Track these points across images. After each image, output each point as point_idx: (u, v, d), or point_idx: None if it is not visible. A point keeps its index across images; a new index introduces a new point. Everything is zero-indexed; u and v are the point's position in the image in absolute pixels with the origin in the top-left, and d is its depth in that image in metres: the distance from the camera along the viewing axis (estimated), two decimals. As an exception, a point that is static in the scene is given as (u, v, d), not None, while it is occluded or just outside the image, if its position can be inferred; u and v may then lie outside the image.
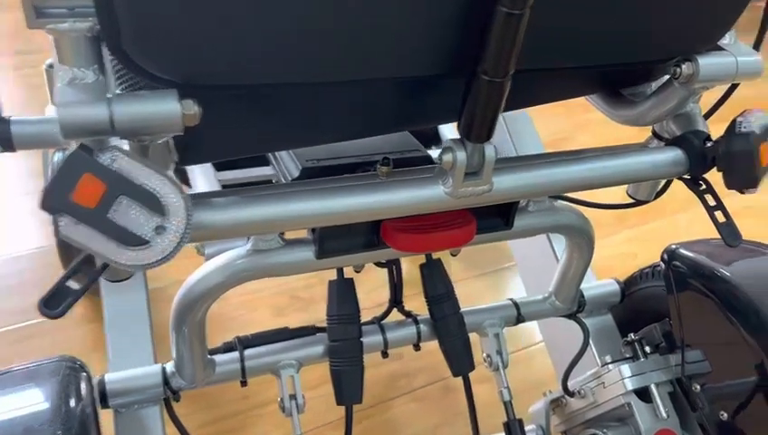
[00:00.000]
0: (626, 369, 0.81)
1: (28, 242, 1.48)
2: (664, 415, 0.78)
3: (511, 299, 0.85)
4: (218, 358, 0.73)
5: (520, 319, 0.84)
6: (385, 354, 0.79)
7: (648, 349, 0.84)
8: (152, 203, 0.43)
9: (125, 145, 0.47)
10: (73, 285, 0.47)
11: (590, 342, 0.87)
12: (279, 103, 0.50)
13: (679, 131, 0.67)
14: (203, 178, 0.83)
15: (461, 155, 0.53)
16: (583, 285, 0.88)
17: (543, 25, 0.51)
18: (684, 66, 0.59)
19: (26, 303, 1.31)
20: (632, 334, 0.84)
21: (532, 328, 1.16)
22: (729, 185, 0.61)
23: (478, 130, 0.52)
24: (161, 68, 0.44)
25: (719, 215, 0.63)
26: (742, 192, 0.61)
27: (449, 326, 0.78)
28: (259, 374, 0.74)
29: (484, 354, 0.83)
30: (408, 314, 0.81)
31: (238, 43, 0.44)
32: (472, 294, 1.46)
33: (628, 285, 0.90)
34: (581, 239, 0.77)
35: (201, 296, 0.63)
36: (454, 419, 1.08)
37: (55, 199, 0.42)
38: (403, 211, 0.57)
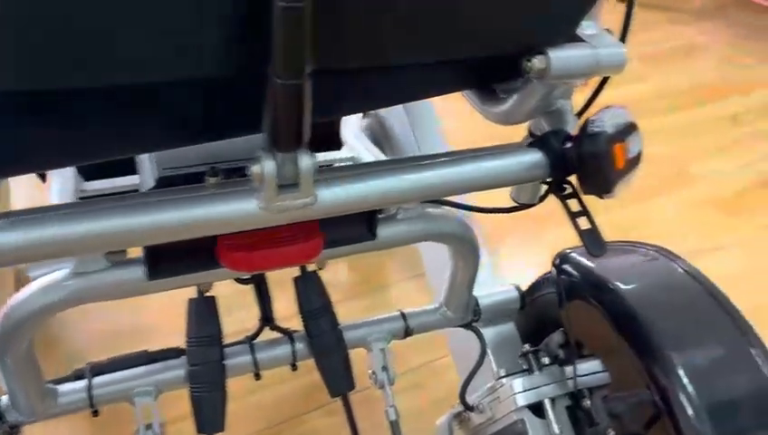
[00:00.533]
0: (517, 383, 0.75)
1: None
2: (556, 431, 0.73)
3: (400, 310, 0.80)
4: (65, 387, 0.68)
5: (408, 332, 0.79)
6: (257, 376, 0.74)
7: (547, 360, 0.79)
8: None
9: None
10: None
11: (489, 352, 0.82)
12: (47, 112, 0.45)
13: (550, 126, 0.61)
14: (59, 188, 0.78)
15: (269, 166, 0.47)
16: (482, 292, 0.83)
17: (353, 18, 0.45)
18: (535, 60, 0.54)
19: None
20: (527, 345, 0.79)
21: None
22: (584, 190, 0.56)
23: (285, 138, 0.46)
24: None
25: (584, 221, 0.58)
26: (601, 197, 0.56)
27: (326, 343, 0.73)
28: (111, 403, 0.68)
29: (370, 371, 0.78)
30: (284, 332, 0.75)
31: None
32: (404, 296, 1.41)
33: (530, 292, 0.84)
34: (463, 247, 0.72)
35: (22, 324, 0.57)
36: (367, 432, 1.02)
37: None
38: (220, 228, 0.51)
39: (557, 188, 0.58)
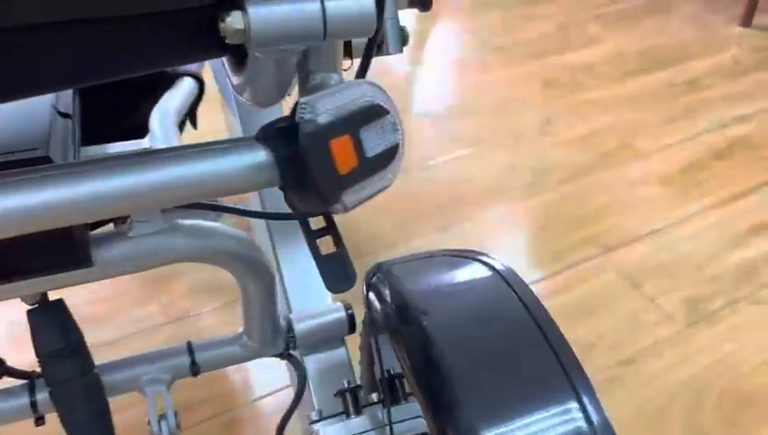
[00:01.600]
0: (326, 432, 0.60)
1: None
2: (370, 494, 0.58)
3: (188, 342, 0.65)
4: None
5: (196, 369, 0.64)
6: (40, 420, 0.59)
7: (374, 397, 0.64)
8: None
9: None
10: None
11: (311, 386, 0.67)
12: None
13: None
14: None
15: None
16: (306, 311, 0.68)
17: None
18: (230, 19, 0.38)
19: None
20: (346, 381, 0.63)
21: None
22: (293, 200, 0.40)
23: None
24: None
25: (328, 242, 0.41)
26: (324, 213, 0.39)
27: (72, 393, 0.58)
28: None
29: (147, 420, 0.63)
30: (23, 375, 0.60)
31: None
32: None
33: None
34: (244, 267, 0.56)
35: None
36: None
37: None
38: None
39: (289, 200, 0.41)
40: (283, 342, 0.66)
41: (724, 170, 1.56)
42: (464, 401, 0.46)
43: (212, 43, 0.44)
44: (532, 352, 0.49)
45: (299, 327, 0.66)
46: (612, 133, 1.70)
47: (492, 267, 0.57)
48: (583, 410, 0.46)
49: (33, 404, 0.59)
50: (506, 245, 1.40)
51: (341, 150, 0.37)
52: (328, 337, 0.69)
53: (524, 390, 0.47)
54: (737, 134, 1.70)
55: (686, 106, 1.83)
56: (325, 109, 0.37)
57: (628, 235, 1.38)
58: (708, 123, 1.74)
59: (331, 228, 0.42)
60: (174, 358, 0.63)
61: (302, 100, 0.37)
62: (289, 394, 0.95)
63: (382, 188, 0.40)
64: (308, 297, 0.72)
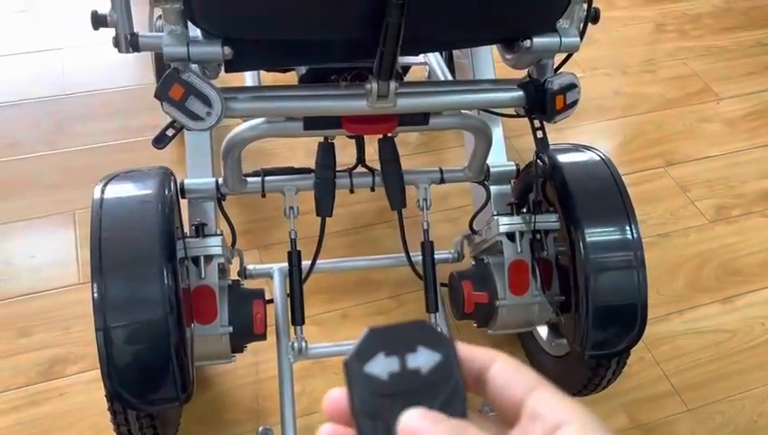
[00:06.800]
0: (502, 219, 1.26)
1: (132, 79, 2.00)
2: (519, 250, 1.25)
3: (439, 167, 1.30)
4: (250, 179, 1.23)
5: (443, 180, 1.29)
6: (351, 191, 1.27)
7: (524, 210, 1.29)
8: (205, 100, 0.90)
9: (195, 66, 0.93)
10: (169, 132, 0.95)
11: (491, 200, 1.32)
12: (274, 47, 0.94)
13: (536, 75, 1.06)
14: (249, 77, 1.31)
15: (374, 87, 0.95)
16: (494, 162, 1.31)
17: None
18: (524, 43, 0.98)
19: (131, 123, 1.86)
20: (513, 199, 1.28)
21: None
22: (540, 117, 1.02)
23: (383, 75, 0.94)
24: (213, 29, 0.89)
25: (540, 133, 1.04)
26: (549, 122, 1.02)
27: (391, 177, 1.24)
28: (272, 192, 1.23)
29: (416, 200, 1.29)
30: (368, 168, 1.27)
31: (252, 19, 0.88)
32: (455, 157, 1.89)
33: (524, 168, 1.32)
34: (480, 134, 1.19)
35: (237, 143, 1.11)
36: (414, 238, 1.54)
37: (161, 94, 0.89)
38: (347, 113, 1.01)
39: (530, 112, 1.04)
40: (483, 176, 1.30)
41: (778, 122, 2.07)
42: (579, 212, 1.10)
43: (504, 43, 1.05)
44: (613, 195, 1.12)
45: (493, 170, 1.30)
46: (696, 78, 2.20)
47: (595, 151, 1.19)
48: (630, 228, 1.09)
49: (373, 181, 1.26)
50: (600, 146, 1.99)
51: (559, 101, 0.99)
52: (504, 178, 1.33)
53: (609, 214, 1.10)
54: (799, 95, 2.18)
55: (766, 64, 2.28)
56: (557, 84, 0.98)
57: (687, 156, 1.95)
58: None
59: (542, 127, 1.04)
60: (433, 174, 1.28)
61: (550, 78, 0.99)
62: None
63: (570, 116, 1.02)
64: (496, 156, 1.35)
